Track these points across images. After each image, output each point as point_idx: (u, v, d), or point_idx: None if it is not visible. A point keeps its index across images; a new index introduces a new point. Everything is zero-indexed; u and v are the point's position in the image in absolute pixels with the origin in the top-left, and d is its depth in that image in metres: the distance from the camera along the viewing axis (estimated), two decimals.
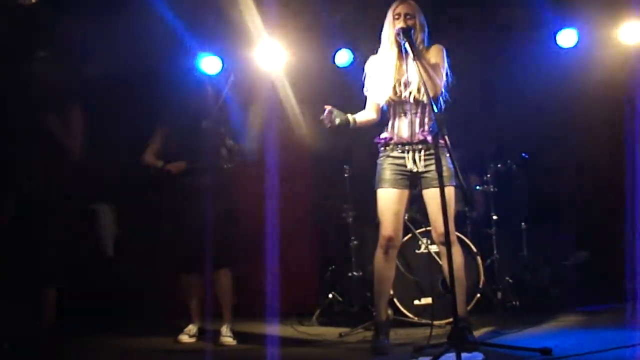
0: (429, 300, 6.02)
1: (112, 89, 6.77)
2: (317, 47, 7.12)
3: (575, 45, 6.90)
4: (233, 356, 5.36)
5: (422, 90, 4.75)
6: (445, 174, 4.54)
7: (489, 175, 6.72)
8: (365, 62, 5.19)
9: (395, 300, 5.97)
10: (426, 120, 4.93)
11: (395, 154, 4.94)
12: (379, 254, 4.96)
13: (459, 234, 5.39)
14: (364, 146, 5.60)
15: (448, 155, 4.71)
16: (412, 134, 4.90)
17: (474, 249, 6.13)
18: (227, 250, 5.66)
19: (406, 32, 4.74)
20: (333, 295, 6.62)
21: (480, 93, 6.91)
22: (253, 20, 6.62)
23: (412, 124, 4.92)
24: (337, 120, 4.89)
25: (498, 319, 5.84)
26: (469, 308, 5.53)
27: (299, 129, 7.03)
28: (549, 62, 6.96)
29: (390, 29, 4.95)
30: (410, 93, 4.87)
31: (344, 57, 7.06)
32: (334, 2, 6.79)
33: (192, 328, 5.78)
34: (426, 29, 4.98)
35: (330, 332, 5.97)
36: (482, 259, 6.17)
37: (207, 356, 5.34)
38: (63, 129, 5.45)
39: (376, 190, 5.00)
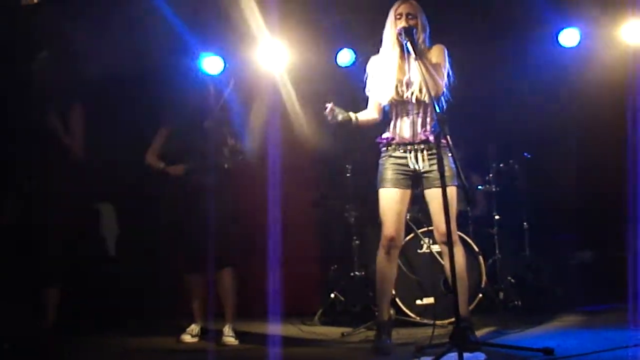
0: (431, 300, 6.03)
1: (113, 89, 6.77)
2: (318, 47, 7.12)
3: (578, 45, 6.89)
4: (235, 356, 5.35)
5: (424, 90, 4.76)
6: (447, 173, 4.54)
7: (491, 175, 6.72)
8: (366, 61, 5.19)
9: (397, 300, 5.97)
10: (428, 120, 4.94)
11: (397, 154, 4.94)
12: (381, 254, 4.96)
13: (461, 234, 5.40)
14: (366, 146, 5.60)
15: (450, 155, 4.72)
16: (414, 134, 4.91)
17: (476, 249, 6.13)
18: (229, 250, 5.66)
19: (408, 32, 4.75)
20: (335, 295, 6.62)
21: (482, 92, 6.90)
22: (255, 20, 6.61)
23: (414, 124, 4.92)
24: (340, 117, 4.90)
25: (500, 319, 5.84)
26: (471, 308, 5.53)
27: (300, 128, 7.02)
28: (551, 62, 6.95)
29: (392, 28, 4.95)
30: (413, 93, 4.87)
31: (345, 57, 7.06)
32: (336, 2, 6.78)
33: (194, 328, 5.78)
34: (428, 29, 4.98)
35: (333, 332, 5.97)
36: (484, 258, 6.17)
37: (210, 356, 5.34)
38: (63, 129, 5.46)
39: (378, 190, 4.99)
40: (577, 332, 5.25)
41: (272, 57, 6.91)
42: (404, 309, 6.01)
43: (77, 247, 5.69)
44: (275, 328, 6.18)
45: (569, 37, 6.87)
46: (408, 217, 5.91)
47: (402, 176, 4.92)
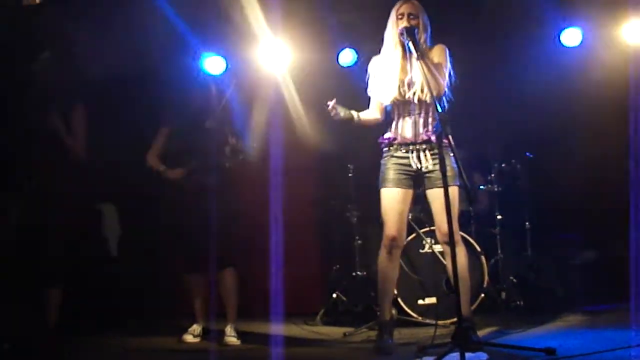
0: (433, 300, 6.03)
1: (115, 89, 6.77)
2: (320, 47, 7.12)
3: (579, 45, 6.88)
4: (237, 356, 5.35)
5: (426, 90, 4.76)
6: (449, 173, 4.53)
7: (493, 175, 6.72)
8: (368, 62, 5.19)
9: (399, 299, 5.97)
10: (430, 120, 4.94)
11: (399, 154, 4.94)
12: (382, 253, 4.96)
13: (463, 234, 5.40)
14: (367, 146, 5.60)
15: (452, 154, 4.71)
16: (416, 134, 4.91)
17: (478, 249, 6.13)
18: (231, 250, 5.66)
19: (410, 32, 4.75)
20: (337, 295, 6.62)
21: (484, 92, 6.89)
22: (256, 19, 6.61)
23: (415, 124, 4.93)
24: (342, 114, 4.90)
25: (502, 319, 5.84)
26: (473, 308, 5.53)
27: (302, 128, 7.02)
28: (553, 62, 6.94)
29: (393, 28, 4.95)
30: (414, 93, 4.88)
31: (347, 57, 7.06)
32: (338, 1, 6.78)
33: (196, 328, 5.79)
34: (429, 29, 4.98)
35: (334, 332, 5.98)
36: (486, 258, 6.17)
37: (211, 356, 5.34)
38: (66, 129, 5.46)
39: (380, 190, 4.99)
40: (579, 332, 5.25)
41: (273, 57, 6.90)
42: (406, 308, 6.01)
43: (79, 247, 5.69)
44: (277, 328, 6.18)
45: (570, 36, 6.85)
46: (410, 217, 5.91)
47: (404, 176, 4.92)
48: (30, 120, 5.39)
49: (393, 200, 4.92)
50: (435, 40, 5.02)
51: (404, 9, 4.91)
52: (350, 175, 6.70)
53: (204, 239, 5.40)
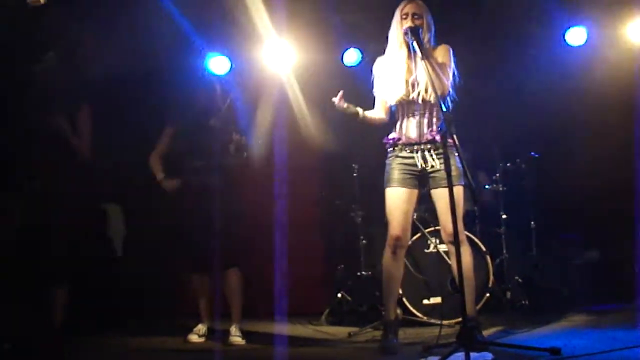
0: (438, 299, 6.02)
1: (119, 90, 6.77)
2: (325, 47, 7.12)
3: (584, 44, 6.87)
4: (242, 356, 5.36)
5: (430, 90, 4.77)
6: (453, 173, 4.53)
7: (498, 175, 6.72)
8: (373, 62, 5.19)
9: (404, 299, 5.97)
10: (434, 120, 4.94)
11: (403, 154, 4.94)
12: (387, 253, 4.95)
13: (468, 234, 5.39)
14: (372, 146, 5.59)
15: (457, 154, 4.71)
16: (421, 134, 4.91)
17: (483, 249, 6.13)
18: (235, 250, 5.66)
19: (414, 32, 4.75)
20: (342, 294, 6.62)
21: (489, 92, 6.89)
22: (261, 20, 6.61)
23: (420, 124, 4.93)
24: (346, 106, 4.88)
25: (507, 319, 5.83)
26: (478, 307, 5.52)
27: (306, 128, 7.02)
28: (558, 61, 6.94)
29: (398, 28, 4.96)
30: (419, 93, 4.87)
31: (352, 57, 7.06)
32: (342, 2, 6.78)
33: (201, 328, 5.79)
34: (433, 29, 4.98)
35: (339, 332, 5.98)
36: (491, 258, 6.17)
37: (216, 356, 5.34)
38: (71, 130, 5.47)
39: (385, 190, 4.99)
40: (584, 332, 5.23)
41: (278, 57, 6.91)
42: (411, 308, 6.01)
43: (84, 247, 5.69)
44: (282, 328, 6.19)
45: (575, 36, 6.85)
46: (415, 217, 5.92)
47: (408, 176, 4.92)
48: (34, 121, 5.40)
49: (398, 200, 4.92)
50: (439, 40, 5.03)
51: (408, 8, 4.92)
52: (355, 175, 6.70)
53: (209, 239, 5.41)
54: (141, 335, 6.17)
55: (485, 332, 5.16)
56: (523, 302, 6.25)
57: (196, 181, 5.67)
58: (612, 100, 6.80)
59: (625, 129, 6.71)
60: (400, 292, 5.73)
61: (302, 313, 6.70)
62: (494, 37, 7.02)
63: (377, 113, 5.14)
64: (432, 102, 4.86)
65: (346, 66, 7.09)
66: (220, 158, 5.66)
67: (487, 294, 6.06)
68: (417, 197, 5.01)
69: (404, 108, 4.99)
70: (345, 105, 4.90)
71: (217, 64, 6.82)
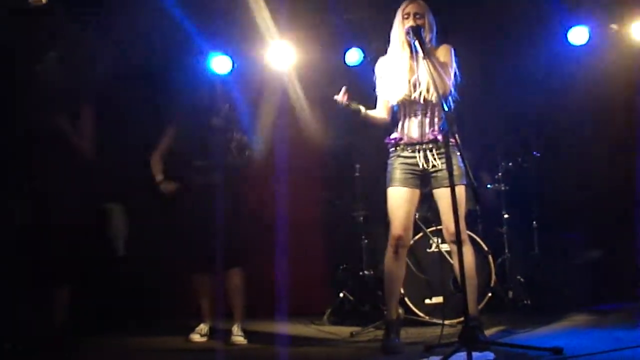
0: (440, 299, 6.02)
1: (120, 89, 6.77)
2: (327, 46, 7.12)
3: (586, 43, 6.87)
4: (244, 355, 5.36)
5: (432, 90, 4.77)
6: (455, 172, 4.53)
7: (500, 174, 6.71)
8: (375, 60, 5.19)
9: (406, 299, 5.97)
10: (436, 120, 4.94)
11: (405, 153, 4.94)
12: (389, 253, 4.95)
13: (470, 233, 5.39)
14: (374, 146, 5.60)
15: (458, 154, 4.72)
16: (422, 134, 4.91)
17: (485, 248, 6.12)
18: (237, 250, 5.66)
19: (416, 31, 4.74)
20: (344, 294, 6.62)
21: (490, 91, 6.89)
22: (263, 19, 6.61)
23: (422, 124, 4.93)
24: (348, 103, 4.86)
25: (509, 318, 5.84)
26: (480, 307, 5.52)
27: (308, 128, 7.02)
28: (560, 60, 6.93)
29: (399, 28, 4.95)
30: (420, 93, 4.87)
31: (354, 56, 7.05)
32: (344, 1, 6.78)
33: (203, 327, 5.79)
34: (435, 29, 4.98)
35: (341, 331, 5.97)
36: (493, 257, 6.17)
37: (218, 355, 5.35)
38: (73, 130, 5.48)
39: (386, 189, 4.99)
40: (586, 332, 5.23)
41: (280, 56, 6.91)
42: (413, 308, 6.01)
43: (85, 247, 5.69)
44: (284, 327, 6.20)
45: (577, 35, 6.84)
46: (417, 217, 5.92)
47: (410, 176, 4.92)
48: (35, 121, 5.40)
49: (400, 199, 4.92)
50: (440, 40, 5.02)
51: (410, 8, 4.92)
52: (356, 175, 6.70)
53: (210, 238, 5.41)
54: (143, 335, 6.18)
55: (487, 332, 5.16)
56: (525, 301, 6.25)
57: (198, 181, 5.67)
58: (614, 100, 6.81)
59: (627, 128, 6.70)
60: (402, 291, 5.72)
61: (304, 313, 6.70)
62: (495, 37, 7.01)
63: (379, 113, 5.14)
64: (434, 101, 4.86)
65: (348, 66, 7.09)
66: (222, 158, 5.66)
67: (489, 294, 6.06)
68: (419, 196, 5.01)
69: (405, 108, 4.99)
70: (346, 100, 4.88)
71: (219, 64, 6.82)
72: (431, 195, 5.02)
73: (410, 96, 4.91)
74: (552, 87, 6.84)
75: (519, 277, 6.44)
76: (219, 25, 6.77)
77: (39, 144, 5.40)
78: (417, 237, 6.05)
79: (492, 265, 6.12)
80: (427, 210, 6.26)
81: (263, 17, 6.57)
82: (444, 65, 4.87)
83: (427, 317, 5.99)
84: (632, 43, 6.80)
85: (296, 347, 5.44)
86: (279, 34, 6.77)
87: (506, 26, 7.05)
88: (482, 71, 6.45)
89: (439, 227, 5.86)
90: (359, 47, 7.02)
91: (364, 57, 6.99)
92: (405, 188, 4.91)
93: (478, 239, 6.10)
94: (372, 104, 5.15)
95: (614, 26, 6.82)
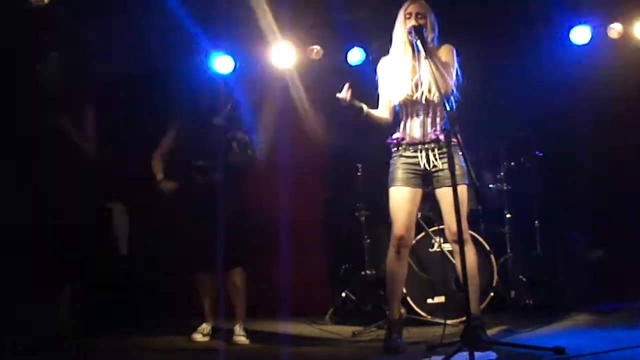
0: (442, 298, 6.02)
1: (123, 89, 6.79)
2: (329, 46, 7.12)
3: (589, 43, 6.86)
4: (246, 355, 5.36)
5: (434, 90, 4.77)
6: (457, 172, 4.53)
7: (502, 173, 6.70)
8: (376, 60, 5.19)
9: (408, 298, 5.97)
10: (438, 120, 4.94)
11: (407, 153, 4.94)
12: (391, 253, 4.95)
13: (472, 233, 5.39)
14: (376, 145, 5.59)
15: (460, 153, 4.71)
16: (424, 133, 4.91)
17: (488, 248, 6.12)
18: (239, 250, 5.66)
19: (418, 31, 4.75)
20: (346, 294, 6.63)
21: (493, 90, 6.88)
22: (265, 19, 6.62)
23: (424, 124, 4.92)
24: (351, 100, 4.85)
25: (511, 318, 5.84)
26: (482, 307, 5.51)
27: (310, 127, 7.03)
28: (562, 59, 6.93)
29: (401, 28, 4.95)
30: (422, 93, 4.87)
31: (356, 56, 7.05)
32: (346, 1, 6.78)
33: (205, 327, 5.80)
34: (436, 29, 4.98)
35: (344, 331, 5.98)
36: (495, 257, 6.16)
37: (221, 355, 5.35)
38: (76, 129, 5.48)
39: (389, 189, 4.99)
40: (588, 331, 5.23)
41: (282, 55, 6.91)
42: (415, 307, 6.00)
43: (87, 247, 5.70)
44: (286, 327, 6.20)
45: (579, 34, 6.84)
46: (419, 216, 5.91)
47: (412, 175, 4.92)
48: (37, 121, 5.41)
49: (402, 199, 4.92)
50: (442, 40, 5.02)
51: (412, 8, 4.92)
52: (359, 174, 6.70)
53: (213, 238, 5.41)
54: (144, 334, 6.18)
55: (489, 332, 5.15)
56: (527, 301, 6.24)
57: (200, 180, 5.67)
58: (616, 99, 6.80)
59: (630, 128, 6.70)
60: (404, 291, 5.72)
61: (306, 312, 6.70)
62: (497, 36, 7.00)
63: (381, 113, 5.14)
64: (436, 101, 4.87)
65: (350, 65, 7.09)
66: (224, 157, 5.66)
67: (491, 293, 6.05)
68: (421, 196, 5.00)
69: (407, 108, 4.99)
70: (351, 98, 4.87)
71: (221, 63, 6.83)
72: (433, 195, 5.02)
73: (412, 96, 4.91)
74: (554, 86, 6.83)
75: (521, 276, 6.43)
76: (221, 25, 6.78)
77: (40, 144, 5.41)
78: (419, 236, 6.05)
79: (494, 264, 6.11)
80: (429, 210, 6.25)
81: (265, 17, 6.57)
82: (445, 65, 4.87)
83: (429, 317, 5.99)
84: (635, 42, 6.80)
85: (298, 346, 5.44)
86: (281, 33, 6.78)
87: (508, 25, 7.05)
88: (484, 71, 6.44)
89: (441, 227, 5.86)
90: (361, 47, 7.02)
91: (365, 56, 6.99)
92: (408, 188, 4.91)
93: (480, 239, 6.10)
94: (373, 103, 5.15)
95: (615, 26, 6.83)
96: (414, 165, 4.92)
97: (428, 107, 4.92)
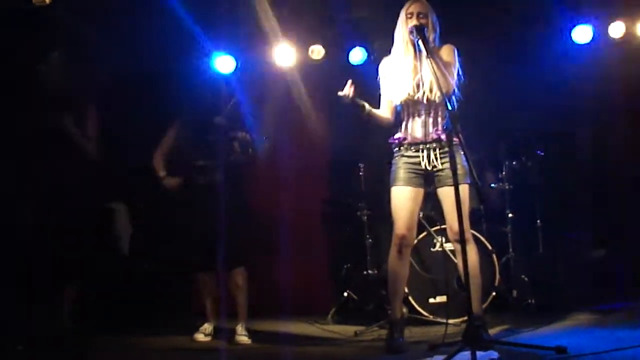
0: (444, 298, 6.01)
1: (125, 89, 6.78)
2: (330, 46, 7.12)
3: (590, 42, 6.86)
4: (248, 355, 5.37)
5: (435, 89, 4.77)
6: (459, 171, 4.52)
7: (504, 173, 6.69)
8: (378, 60, 5.19)
9: (410, 298, 5.97)
10: (439, 119, 4.94)
11: (409, 153, 4.94)
12: (392, 252, 4.95)
13: (474, 232, 5.38)
14: (378, 145, 5.59)
15: (462, 153, 4.70)
16: (426, 133, 4.91)
17: (489, 247, 6.12)
18: (241, 249, 5.66)
19: (419, 30, 4.75)
20: (348, 293, 6.62)
21: (494, 90, 6.87)
22: (267, 18, 6.62)
23: (425, 123, 4.92)
24: (353, 97, 4.84)
25: (513, 318, 5.83)
26: (484, 306, 5.50)
27: (312, 127, 7.02)
28: (564, 59, 6.92)
29: (403, 28, 4.95)
30: (424, 93, 4.87)
31: (357, 55, 7.05)
32: (348, 0, 6.78)
33: (207, 327, 5.80)
34: (438, 29, 4.98)
35: (345, 330, 5.98)
36: (497, 257, 6.15)
37: (223, 355, 5.36)
38: (77, 130, 5.49)
39: (390, 189, 4.99)
40: (590, 331, 5.22)
41: (283, 55, 6.91)
42: (417, 307, 6.00)
43: (90, 247, 5.70)
44: (288, 327, 6.20)
45: (581, 34, 6.83)
46: (421, 216, 5.91)
47: (414, 175, 4.92)
48: (39, 121, 5.41)
49: (403, 198, 4.92)
50: (444, 39, 5.02)
51: (414, 8, 4.91)
52: (361, 174, 6.69)
53: (214, 238, 5.41)
54: (147, 334, 6.18)
55: (491, 331, 5.16)
56: (529, 300, 6.23)
57: (201, 180, 5.67)
58: (618, 99, 6.80)
59: (632, 127, 6.69)
60: (406, 290, 5.72)
61: (308, 312, 6.69)
62: (499, 36, 7.00)
63: (383, 112, 5.13)
64: (437, 101, 4.87)
65: (352, 65, 7.08)
66: (226, 156, 5.66)
67: (493, 293, 6.05)
68: (422, 196, 5.01)
69: (409, 108, 4.99)
70: (351, 95, 4.86)
71: (223, 63, 6.82)
72: (435, 195, 5.02)
73: (414, 96, 4.91)
74: (556, 86, 6.82)
75: (523, 276, 6.43)
76: (222, 25, 6.78)
77: (41, 143, 5.41)
78: (421, 236, 6.05)
79: (496, 264, 6.11)
80: (431, 209, 6.25)
81: (266, 16, 6.57)
82: (447, 65, 4.87)
83: (431, 316, 5.99)
84: (637, 41, 6.79)
85: (300, 346, 5.45)
86: (283, 32, 6.77)
87: (509, 25, 7.05)
88: (485, 70, 6.44)
89: (443, 226, 5.85)
90: (363, 47, 7.01)
91: (367, 56, 6.98)
92: (409, 187, 4.91)
93: (482, 238, 6.10)
94: (375, 103, 5.15)
95: (617, 25, 6.82)
96: (415, 165, 4.92)
97: (429, 106, 4.92)
